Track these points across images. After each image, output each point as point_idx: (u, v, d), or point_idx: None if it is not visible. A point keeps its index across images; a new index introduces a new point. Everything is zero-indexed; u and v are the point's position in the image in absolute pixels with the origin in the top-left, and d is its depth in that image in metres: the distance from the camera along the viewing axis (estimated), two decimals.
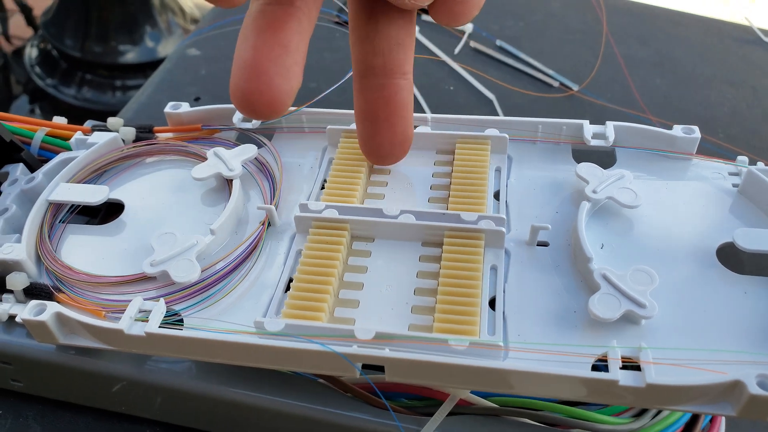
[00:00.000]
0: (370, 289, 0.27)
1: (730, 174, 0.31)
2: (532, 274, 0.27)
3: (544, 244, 0.28)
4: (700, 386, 0.22)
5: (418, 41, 0.55)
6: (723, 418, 0.29)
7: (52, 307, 0.26)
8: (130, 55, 1.03)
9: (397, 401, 0.28)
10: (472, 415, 0.27)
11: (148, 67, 1.01)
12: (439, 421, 0.26)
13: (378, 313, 0.26)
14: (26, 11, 1.09)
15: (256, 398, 0.27)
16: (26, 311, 0.26)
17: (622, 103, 0.51)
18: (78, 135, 0.34)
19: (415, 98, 0.49)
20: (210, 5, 0.53)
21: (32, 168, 0.34)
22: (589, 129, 0.32)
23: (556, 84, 0.52)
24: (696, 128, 0.31)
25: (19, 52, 1.10)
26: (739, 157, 0.31)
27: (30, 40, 1.09)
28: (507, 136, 0.32)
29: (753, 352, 0.23)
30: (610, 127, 0.32)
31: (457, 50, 0.55)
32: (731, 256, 0.27)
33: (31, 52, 1.07)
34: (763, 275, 0.26)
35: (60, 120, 0.36)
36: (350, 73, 0.33)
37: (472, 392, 0.27)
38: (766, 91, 0.53)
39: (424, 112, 0.49)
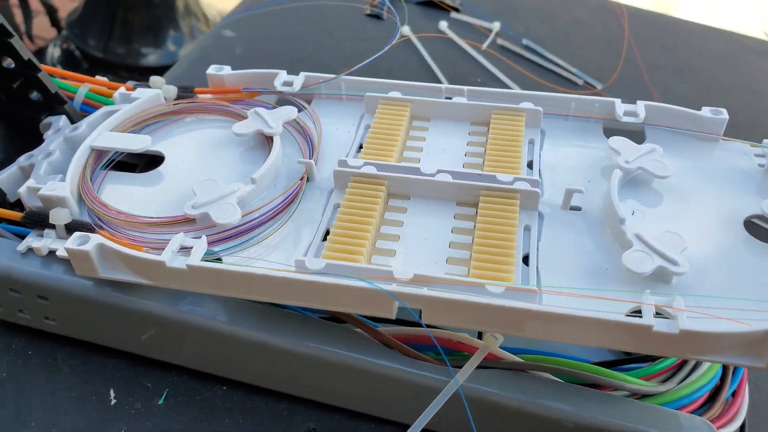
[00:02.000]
0: (406, 240, 0.28)
1: (756, 156, 0.31)
2: (565, 234, 0.28)
3: (577, 209, 0.29)
4: (731, 334, 0.22)
5: (446, 38, 0.56)
6: (747, 390, 0.29)
7: (95, 239, 0.26)
8: (152, 58, 1.05)
9: (426, 354, 0.28)
10: (500, 369, 0.27)
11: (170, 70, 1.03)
12: (469, 372, 0.27)
13: (415, 262, 0.27)
14: (51, 12, 1.11)
15: (290, 343, 0.28)
16: (70, 241, 0.26)
17: None
18: (121, 90, 0.35)
19: None
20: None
21: (74, 120, 0.35)
22: (621, 107, 0.33)
23: (580, 82, 0.53)
24: (724, 110, 0.32)
25: (41, 52, 1.12)
26: (765, 140, 0.32)
27: (53, 40, 1.11)
28: (541, 109, 0.33)
29: None
30: (641, 106, 0.32)
31: (484, 46, 0.56)
32: (759, 229, 0.28)
33: (54, 52, 1.09)
34: None
35: (103, 78, 0.37)
36: (388, 47, 0.35)
37: (501, 347, 0.28)
38: None
39: None
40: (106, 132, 0.32)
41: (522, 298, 0.24)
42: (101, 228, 0.29)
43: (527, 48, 0.56)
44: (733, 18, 1.36)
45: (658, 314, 0.23)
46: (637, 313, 0.24)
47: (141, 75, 1.03)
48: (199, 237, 0.27)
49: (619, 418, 0.26)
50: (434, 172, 0.29)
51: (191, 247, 0.26)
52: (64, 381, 0.30)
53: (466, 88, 0.34)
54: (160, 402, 0.30)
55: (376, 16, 0.58)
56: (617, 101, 0.33)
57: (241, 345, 0.29)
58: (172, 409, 0.30)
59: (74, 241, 0.26)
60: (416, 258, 0.27)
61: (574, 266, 0.26)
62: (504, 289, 0.24)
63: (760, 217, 0.28)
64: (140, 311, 0.29)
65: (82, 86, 0.36)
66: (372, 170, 0.29)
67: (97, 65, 1.03)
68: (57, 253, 0.28)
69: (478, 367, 0.27)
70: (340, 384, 0.29)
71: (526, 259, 0.27)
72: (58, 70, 0.36)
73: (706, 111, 0.32)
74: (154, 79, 0.36)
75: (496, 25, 0.57)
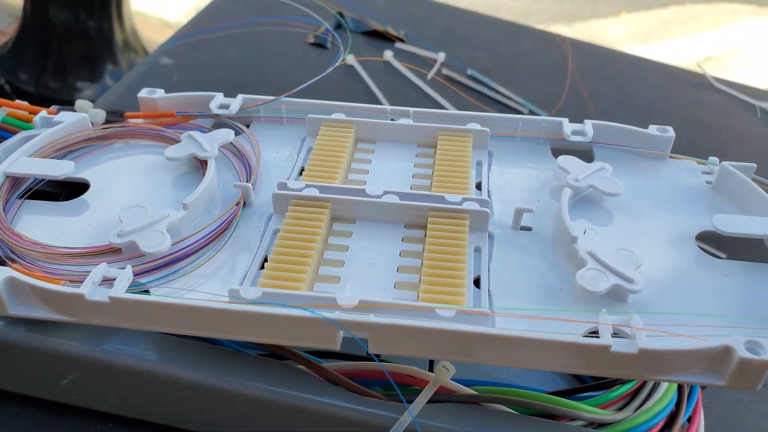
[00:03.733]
0: (351, 266, 0.26)
1: (703, 173, 0.31)
2: (516, 255, 0.27)
3: (528, 229, 0.28)
4: (690, 351, 0.21)
5: (392, 67, 0.56)
6: (702, 415, 0.28)
7: (3, 272, 0.24)
8: (88, 92, 1.01)
9: (373, 390, 0.26)
10: (453, 402, 0.26)
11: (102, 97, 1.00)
12: (420, 406, 0.25)
13: (361, 288, 0.25)
14: None
15: (228, 382, 0.25)
16: None
17: None
18: (42, 114, 0.33)
19: None
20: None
21: None
22: (568, 126, 0.32)
23: (525, 111, 0.53)
24: (670, 128, 0.32)
25: None
26: (711, 158, 0.32)
27: None
28: (488, 130, 0.32)
29: (740, 317, 0.23)
30: (588, 125, 0.32)
31: (430, 75, 0.56)
32: (711, 244, 0.28)
33: None
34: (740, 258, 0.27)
35: (23, 103, 0.35)
36: (331, 68, 0.33)
37: (453, 379, 0.26)
38: (720, 129, 0.56)
39: None
40: (23, 158, 0.30)
41: (474, 321, 0.22)
42: (13, 261, 0.26)
43: (472, 78, 0.56)
44: (667, 52, 1.43)
45: (615, 334, 0.22)
46: (594, 333, 0.22)
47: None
48: (124, 267, 0.25)
49: None
50: (380, 194, 0.28)
51: (115, 279, 0.24)
52: None
53: (411, 109, 0.33)
54: None
55: (320, 45, 0.57)
56: (564, 121, 0.32)
57: (174, 386, 0.26)
58: None
59: None
60: (362, 284, 0.25)
61: (527, 287, 0.25)
62: (455, 313, 0.22)
63: (711, 234, 0.28)
64: (58, 353, 0.26)
65: None
66: (314, 192, 0.28)
67: (29, 100, 0.99)
68: None
69: (430, 401, 0.25)
70: (284, 425, 0.26)
71: (477, 282, 0.26)
72: None
73: (653, 129, 0.32)
74: (80, 102, 0.34)
75: (441, 56, 0.57)
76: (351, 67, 0.55)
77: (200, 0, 0.61)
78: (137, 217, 0.27)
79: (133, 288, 0.24)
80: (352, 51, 0.57)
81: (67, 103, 0.34)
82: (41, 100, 1.00)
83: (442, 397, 0.26)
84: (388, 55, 0.57)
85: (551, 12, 1.72)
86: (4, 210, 0.28)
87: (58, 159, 0.31)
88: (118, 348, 0.26)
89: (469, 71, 0.57)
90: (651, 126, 0.32)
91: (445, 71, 0.56)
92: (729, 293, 0.25)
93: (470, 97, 0.54)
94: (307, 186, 0.28)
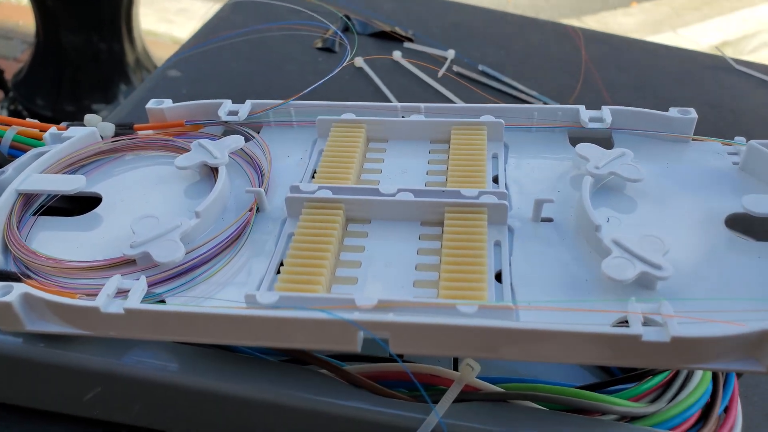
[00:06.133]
0: (368, 267, 0.25)
1: (729, 154, 0.30)
2: (537, 247, 0.26)
3: (549, 220, 0.27)
4: (726, 337, 0.20)
5: (401, 66, 0.55)
6: (739, 404, 0.27)
7: (18, 288, 0.23)
8: (103, 114, 1.02)
9: (398, 391, 0.26)
10: (479, 401, 0.25)
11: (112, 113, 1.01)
12: (446, 406, 0.24)
13: (379, 288, 0.24)
14: None
15: (252, 389, 0.25)
16: None
17: None
18: (52, 130, 0.33)
19: None
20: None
21: (0, 166, 0.32)
22: (585, 113, 0.31)
23: (540, 104, 0.53)
24: (692, 109, 0.31)
25: None
26: (737, 138, 0.30)
27: (0, 102, 1.08)
28: (503, 121, 0.31)
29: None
30: (606, 111, 0.31)
31: (440, 74, 0.55)
32: (740, 227, 0.27)
33: (0, 114, 1.06)
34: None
35: (33, 120, 0.35)
36: (339, 67, 0.33)
37: (478, 377, 0.25)
38: (744, 113, 0.54)
39: None
40: (34, 174, 0.30)
41: (497, 316, 0.22)
42: (28, 277, 0.26)
43: (484, 74, 0.55)
44: (681, 40, 1.41)
45: (645, 323, 0.21)
46: (624, 323, 0.22)
47: None
48: (138, 278, 0.24)
49: None
50: (394, 192, 0.27)
51: (129, 290, 0.24)
52: None
53: (423, 105, 0.32)
54: None
55: (328, 49, 0.57)
56: (581, 108, 0.31)
57: (197, 396, 0.25)
58: None
59: None
60: (380, 284, 0.25)
61: (551, 279, 0.24)
62: (477, 308, 0.22)
63: (741, 215, 0.26)
64: (78, 367, 0.26)
65: (9, 129, 0.33)
66: (327, 194, 0.27)
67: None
68: None
69: (456, 401, 0.24)
70: (310, 430, 0.26)
71: (498, 277, 0.25)
72: None
73: (673, 111, 0.31)
74: (89, 117, 0.34)
75: (450, 53, 0.56)
76: (360, 69, 0.55)
77: (208, 15, 0.61)
78: (150, 227, 0.26)
79: (148, 299, 0.24)
80: (360, 53, 0.56)
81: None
82: (59, 123, 1.02)
83: (468, 396, 0.25)
84: (397, 55, 0.56)
85: (560, 7, 1.70)
86: (18, 228, 0.28)
87: (69, 174, 0.31)
88: (138, 360, 0.26)
89: (481, 67, 0.56)
90: (672, 108, 0.31)
91: (456, 68, 0.56)
92: (764, 276, 0.24)
93: (483, 92, 0.53)
94: (320, 188, 0.27)
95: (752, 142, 0.28)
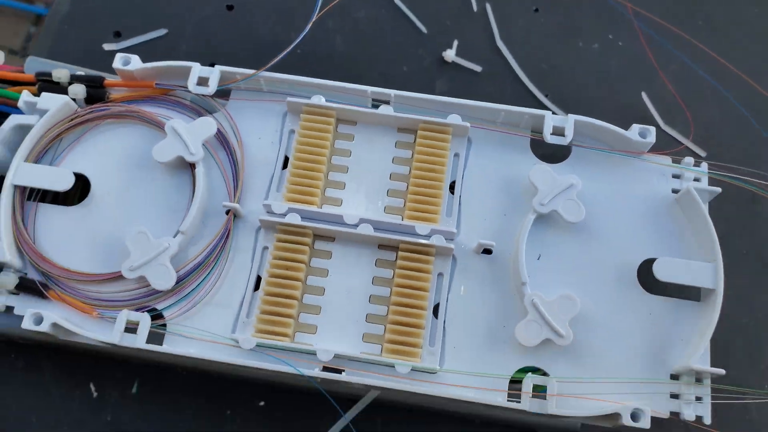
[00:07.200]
0: (330, 296, 0.31)
1: (674, 177, 0.32)
2: (473, 285, 0.31)
3: (489, 252, 0.31)
4: (588, 417, 0.28)
5: None
6: None
7: (48, 318, 0.29)
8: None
9: None
10: None
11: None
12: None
13: (338, 322, 0.30)
14: None
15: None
16: (26, 322, 0.29)
17: None
18: (26, 97, 0.33)
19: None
20: None
21: None
22: (549, 123, 0.32)
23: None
24: (653, 131, 0.31)
25: None
26: (686, 159, 0.32)
27: None
28: (468, 125, 0.32)
29: (647, 379, 0.29)
30: (570, 122, 0.32)
31: None
32: (649, 271, 0.31)
33: None
34: (668, 294, 0.30)
35: None
36: (307, 29, 0.32)
37: None
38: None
39: None
40: (25, 165, 0.32)
41: (424, 377, 0.29)
42: (48, 288, 0.31)
43: None
44: None
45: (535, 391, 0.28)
46: (518, 382, 0.29)
47: None
48: (143, 311, 0.30)
49: None
50: (356, 222, 0.30)
51: (138, 322, 0.29)
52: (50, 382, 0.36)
53: (393, 92, 0.32)
54: (134, 391, 0.36)
55: None
56: (548, 114, 0.32)
57: None
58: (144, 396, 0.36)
59: (29, 321, 0.29)
60: (339, 319, 0.30)
61: (478, 321, 0.30)
62: (410, 370, 0.28)
63: (652, 261, 0.30)
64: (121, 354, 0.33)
65: None
66: (296, 219, 0.30)
67: None
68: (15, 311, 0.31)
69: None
70: None
71: (436, 309, 0.30)
72: None
73: (634, 131, 0.31)
74: (57, 73, 0.33)
75: None
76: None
77: None
78: (142, 245, 0.30)
79: (150, 314, 0.30)
80: None
81: None
82: None
83: None
84: None
85: None
86: (23, 222, 0.32)
87: (54, 151, 0.33)
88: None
89: None
90: (634, 126, 0.31)
91: None
92: (647, 337, 0.30)
93: None
94: (289, 211, 0.31)
95: (691, 186, 0.31)
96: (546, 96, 0.44)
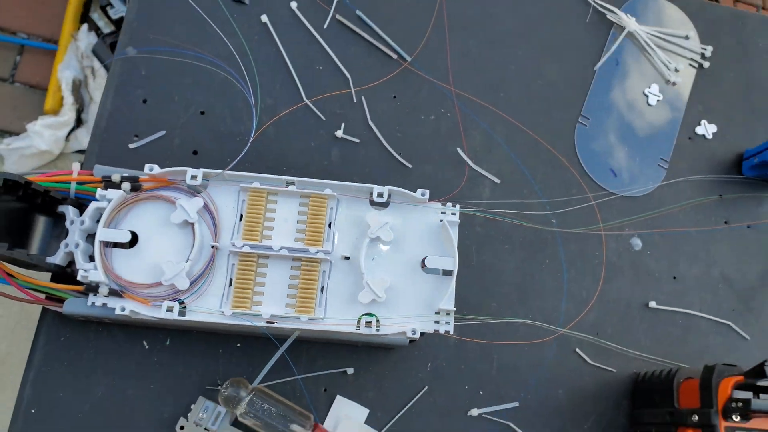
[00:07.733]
0: (269, 286, 0.61)
1: (442, 213, 0.63)
2: (340, 276, 0.61)
3: (347, 258, 0.62)
4: (394, 334, 0.59)
5: (296, 17, 0.76)
6: None
7: (127, 308, 0.59)
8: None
9: None
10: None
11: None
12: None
13: (273, 299, 0.60)
14: None
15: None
16: (117, 310, 0.59)
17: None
18: (100, 192, 0.61)
19: (294, 79, 0.74)
20: None
21: (78, 206, 0.62)
22: (375, 191, 0.62)
23: (395, 56, 0.77)
24: (427, 192, 0.62)
25: None
26: (448, 204, 0.62)
27: None
28: (336, 194, 0.62)
29: (422, 314, 0.60)
30: (385, 190, 0.62)
31: (326, 25, 0.76)
32: (425, 262, 0.62)
33: None
34: (435, 273, 0.61)
35: (76, 165, 0.63)
36: (250, 143, 0.62)
37: None
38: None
39: (300, 94, 0.74)
40: (103, 229, 0.61)
41: (316, 322, 0.59)
42: (123, 292, 0.60)
43: (360, 20, 0.77)
44: None
45: (367, 324, 0.59)
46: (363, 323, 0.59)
47: None
48: (173, 304, 0.59)
49: None
50: (279, 248, 0.60)
51: (173, 307, 0.59)
52: (122, 341, 0.65)
53: (296, 179, 0.62)
54: (167, 343, 0.66)
55: (240, 0, 0.76)
56: (375, 187, 0.62)
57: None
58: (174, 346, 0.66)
59: (118, 310, 0.59)
60: (273, 299, 0.60)
61: (343, 295, 0.61)
62: (308, 319, 0.59)
63: (426, 257, 0.61)
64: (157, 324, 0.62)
65: (72, 184, 0.62)
66: (248, 249, 0.60)
67: None
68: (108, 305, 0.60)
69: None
70: None
71: (323, 289, 0.61)
72: (48, 177, 0.61)
73: (419, 193, 0.62)
74: (114, 177, 0.62)
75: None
76: (265, 24, 0.75)
77: None
78: (170, 268, 0.60)
79: (180, 307, 0.60)
80: (266, 7, 0.75)
81: None
82: None
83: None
84: (293, 5, 0.76)
85: None
86: (106, 259, 0.61)
87: (119, 219, 0.62)
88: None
89: (357, 12, 0.77)
90: (419, 190, 0.62)
91: (338, 17, 0.77)
92: (424, 294, 0.61)
93: (356, 46, 0.76)
94: (245, 245, 0.60)
95: (445, 219, 0.61)
96: (399, 154, 0.75)
